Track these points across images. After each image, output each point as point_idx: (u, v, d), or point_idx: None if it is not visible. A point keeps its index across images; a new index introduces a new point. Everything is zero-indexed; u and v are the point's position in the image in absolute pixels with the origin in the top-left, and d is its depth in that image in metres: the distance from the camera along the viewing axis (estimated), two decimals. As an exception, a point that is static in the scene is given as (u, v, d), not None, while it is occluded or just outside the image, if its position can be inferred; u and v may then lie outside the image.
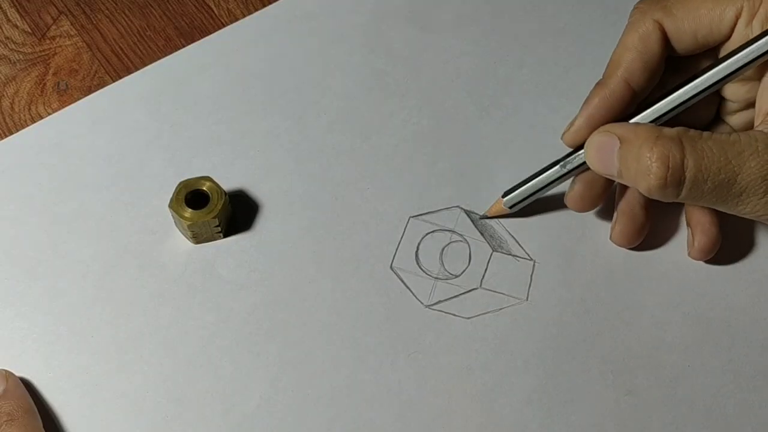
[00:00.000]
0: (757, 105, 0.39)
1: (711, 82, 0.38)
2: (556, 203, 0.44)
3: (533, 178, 0.43)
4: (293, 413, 0.40)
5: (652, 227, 0.43)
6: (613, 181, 0.42)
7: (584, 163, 0.40)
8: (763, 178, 0.36)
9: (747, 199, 0.36)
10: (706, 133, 0.37)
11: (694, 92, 0.39)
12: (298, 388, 0.40)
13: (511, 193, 0.43)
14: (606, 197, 0.43)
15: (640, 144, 0.37)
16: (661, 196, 0.37)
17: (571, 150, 0.42)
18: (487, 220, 0.44)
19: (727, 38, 0.40)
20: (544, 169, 0.42)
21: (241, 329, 0.41)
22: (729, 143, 0.36)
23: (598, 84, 0.41)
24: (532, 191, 0.43)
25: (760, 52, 0.37)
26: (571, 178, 0.42)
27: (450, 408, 0.40)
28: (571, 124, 0.41)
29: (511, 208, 0.43)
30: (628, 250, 0.43)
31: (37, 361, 0.41)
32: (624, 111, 0.40)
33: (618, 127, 0.39)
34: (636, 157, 0.37)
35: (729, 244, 0.43)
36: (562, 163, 0.42)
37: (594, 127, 0.40)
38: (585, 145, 0.40)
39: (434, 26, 0.50)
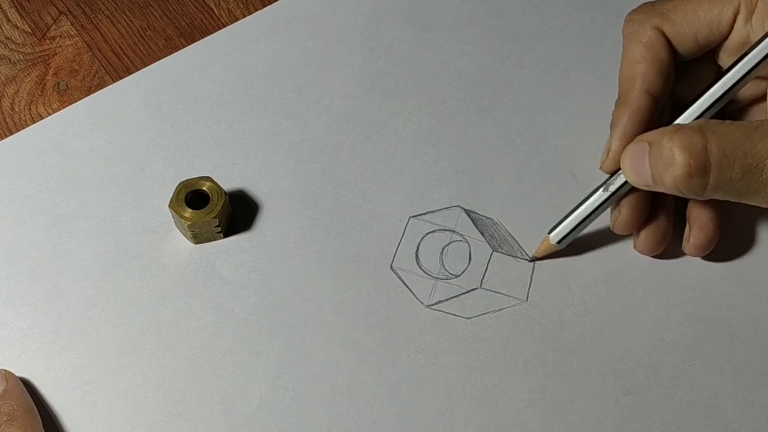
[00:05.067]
0: None
1: (737, 78, 0.38)
2: (556, 204, 0.44)
3: (577, 208, 0.41)
4: (293, 413, 0.40)
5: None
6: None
7: (626, 181, 0.40)
8: None
9: None
10: (727, 121, 0.36)
11: (725, 89, 0.38)
12: (298, 388, 0.40)
13: (557, 227, 0.42)
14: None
15: (662, 139, 0.37)
16: (688, 189, 0.36)
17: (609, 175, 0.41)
18: (487, 220, 0.44)
19: (727, 37, 0.40)
20: (587, 197, 0.41)
21: (241, 329, 0.41)
22: (752, 128, 0.35)
23: (619, 104, 0.41)
24: (578, 221, 0.41)
25: None
26: (612, 206, 0.42)
27: (450, 408, 0.40)
28: (607, 150, 0.41)
29: (559, 243, 0.42)
30: (628, 251, 0.43)
31: (37, 361, 0.41)
32: (652, 121, 0.40)
33: (647, 134, 0.38)
34: (660, 153, 0.37)
35: (730, 244, 0.43)
36: (604, 186, 0.41)
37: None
38: (621, 161, 0.40)
39: (434, 26, 0.50)
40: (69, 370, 0.40)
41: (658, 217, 0.42)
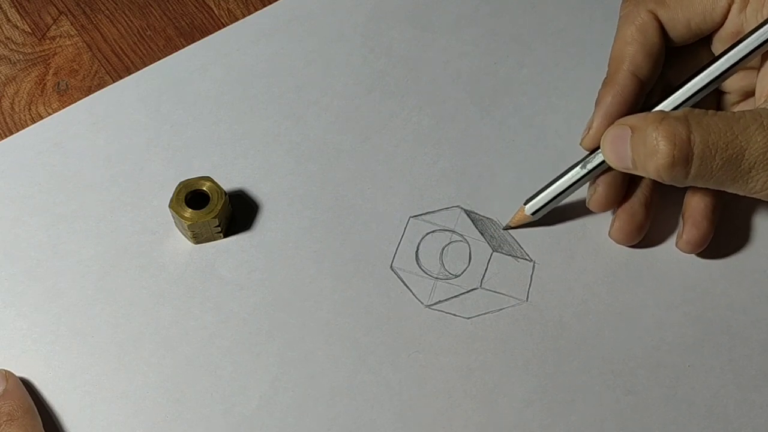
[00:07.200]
0: (757, 90, 0.40)
1: (724, 69, 0.39)
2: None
3: (554, 182, 0.42)
4: (293, 413, 0.40)
5: (653, 228, 0.43)
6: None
7: (604, 161, 0.40)
8: None
9: (757, 175, 0.36)
10: (710, 111, 0.37)
11: (711, 78, 0.39)
12: (298, 388, 0.40)
13: (533, 199, 0.43)
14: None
15: (647, 127, 0.37)
16: (670, 178, 0.37)
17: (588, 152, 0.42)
18: (487, 220, 0.44)
19: (720, 26, 0.40)
20: (564, 172, 0.42)
21: (241, 329, 0.41)
22: (734, 119, 0.36)
23: (605, 83, 0.41)
24: (553, 195, 0.42)
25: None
26: (589, 182, 0.42)
27: (450, 408, 0.40)
28: (588, 127, 0.41)
29: (533, 214, 0.43)
30: (628, 251, 0.43)
31: (37, 361, 0.41)
32: (636, 104, 0.41)
33: (629, 118, 0.39)
34: (643, 141, 0.37)
35: (729, 244, 0.43)
36: (582, 163, 0.41)
37: (611, 125, 0.40)
38: (600, 142, 0.40)
39: (434, 26, 0.50)
40: (69, 370, 0.40)
41: (635, 207, 0.42)
